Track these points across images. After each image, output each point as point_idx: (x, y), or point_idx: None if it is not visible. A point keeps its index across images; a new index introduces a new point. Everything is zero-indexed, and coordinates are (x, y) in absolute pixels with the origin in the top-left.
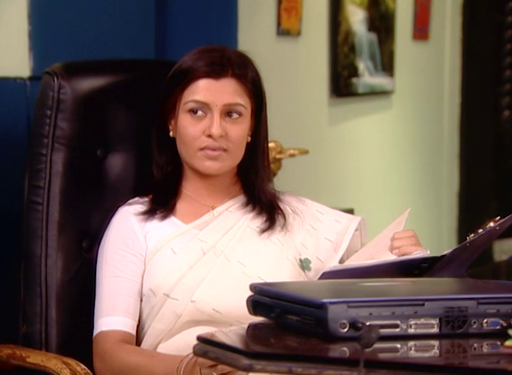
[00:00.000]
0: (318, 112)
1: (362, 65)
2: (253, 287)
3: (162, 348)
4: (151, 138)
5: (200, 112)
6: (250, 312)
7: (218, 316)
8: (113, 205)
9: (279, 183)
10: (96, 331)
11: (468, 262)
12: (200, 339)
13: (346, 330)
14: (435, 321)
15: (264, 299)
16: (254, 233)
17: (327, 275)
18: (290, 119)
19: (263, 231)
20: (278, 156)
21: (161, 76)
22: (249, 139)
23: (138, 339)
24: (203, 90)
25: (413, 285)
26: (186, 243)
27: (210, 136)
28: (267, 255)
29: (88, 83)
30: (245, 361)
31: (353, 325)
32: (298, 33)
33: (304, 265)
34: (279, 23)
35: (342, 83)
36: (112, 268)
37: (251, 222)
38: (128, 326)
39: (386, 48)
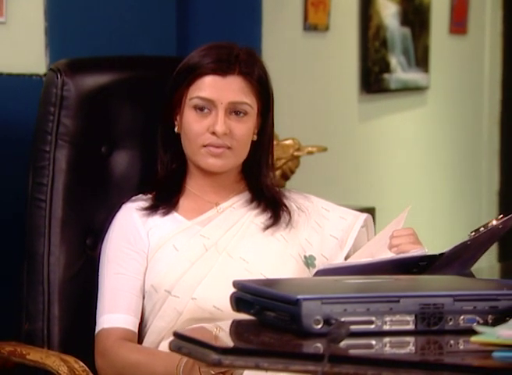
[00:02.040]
0: (348, 109)
1: (394, 60)
2: (235, 284)
3: (164, 346)
4: (157, 135)
5: (205, 109)
6: (233, 309)
7: (219, 313)
8: (118, 203)
9: (304, 180)
10: (98, 329)
11: (472, 260)
12: (176, 334)
13: (320, 326)
14: (410, 318)
15: (245, 296)
16: (258, 230)
17: (321, 273)
18: (319, 117)
19: (267, 228)
20: (296, 154)
21: (167, 73)
22: (255, 137)
23: (140, 336)
24: (209, 87)
25: (391, 282)
26: (189, 239)
27: (214, 133)
28: (270, 252)
29: (92, 80)
30: (214, 356)
31: (327, 321)
32: (326, 29)
33: (309, 262)
34: (305, 18)
35: (372, 79)
36: (113, 265)
37: (255, 218)
38: (129, 323)
39: (421, 43)
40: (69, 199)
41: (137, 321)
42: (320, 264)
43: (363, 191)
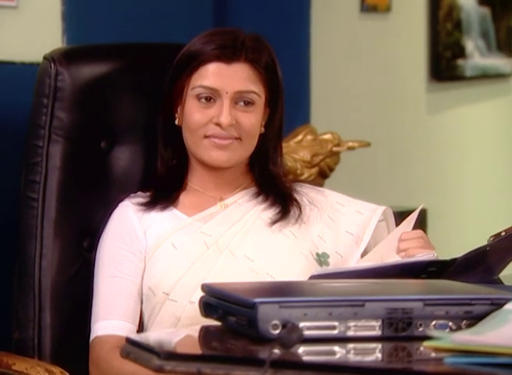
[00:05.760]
0: (414, 100)
1: (471, 44)
2: (203, 288)
3: None
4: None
5: (209, 99)
6: (201, 314)
7: None
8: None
9: (347, 176)
10: (92, 336)
11: (499, 267)
12: (127, 340)
13: (278, 331)
14: (376, 323)
15: (211, 300)
16: (264, 226)
17: (315, 279)
18: (380, 108)
19: (274, 223)
20: (335, 149)
21: (170, 61)
22: (262, 130)
23: None
24: (213, 74)
25: (360, 285)
26: (188, 237)
27: (218, 124)
28: (278, 250)
29: (89, 70)
30: (156, 361)
31: (286, 326)
32: (387, 9)
33: (322, 259)
34: None
35: (443, 66)
36: (109, 268)
37: (262, 213)
38: (125, 330)
39: (503, 24)
40: (63, 198)
41: (135, 328)
42: (334, 262)
43: (420, 190)
